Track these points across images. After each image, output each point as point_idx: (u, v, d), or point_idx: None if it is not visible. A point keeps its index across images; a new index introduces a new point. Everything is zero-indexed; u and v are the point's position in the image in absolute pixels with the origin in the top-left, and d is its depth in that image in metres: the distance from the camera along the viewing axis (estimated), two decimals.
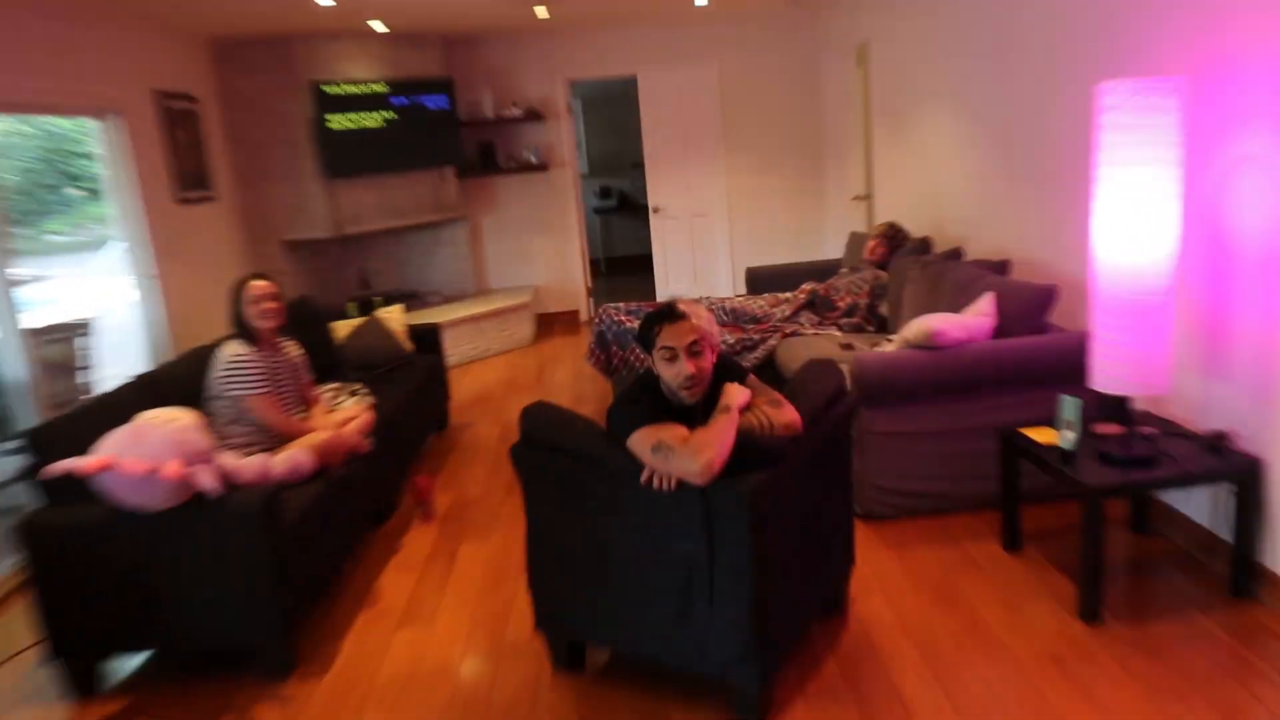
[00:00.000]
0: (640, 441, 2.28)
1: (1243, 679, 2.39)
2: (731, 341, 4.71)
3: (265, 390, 3.28)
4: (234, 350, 3.29)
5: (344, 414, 3.70)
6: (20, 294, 3.79)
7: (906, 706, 2.41)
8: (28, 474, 2.78)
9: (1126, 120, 2.52)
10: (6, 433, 3.79)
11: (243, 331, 3.36)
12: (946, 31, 4.81)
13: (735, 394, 2.35)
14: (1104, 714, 2.31)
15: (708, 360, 2.37)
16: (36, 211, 5.02)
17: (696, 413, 2.41)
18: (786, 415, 2.37)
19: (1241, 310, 2.74)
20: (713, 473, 2.17)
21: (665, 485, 2.24)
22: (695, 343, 2.33)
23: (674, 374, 2.35)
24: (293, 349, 3.60)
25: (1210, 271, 2.87)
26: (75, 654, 2.77)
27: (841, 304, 4.93)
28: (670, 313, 2.36)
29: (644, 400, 2.40)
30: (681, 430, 2.28)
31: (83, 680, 2.81)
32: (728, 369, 2.47)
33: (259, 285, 3.38)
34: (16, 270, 3.82)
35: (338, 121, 6.19)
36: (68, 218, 5.28)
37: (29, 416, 3.77)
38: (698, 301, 3.11)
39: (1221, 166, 2.77)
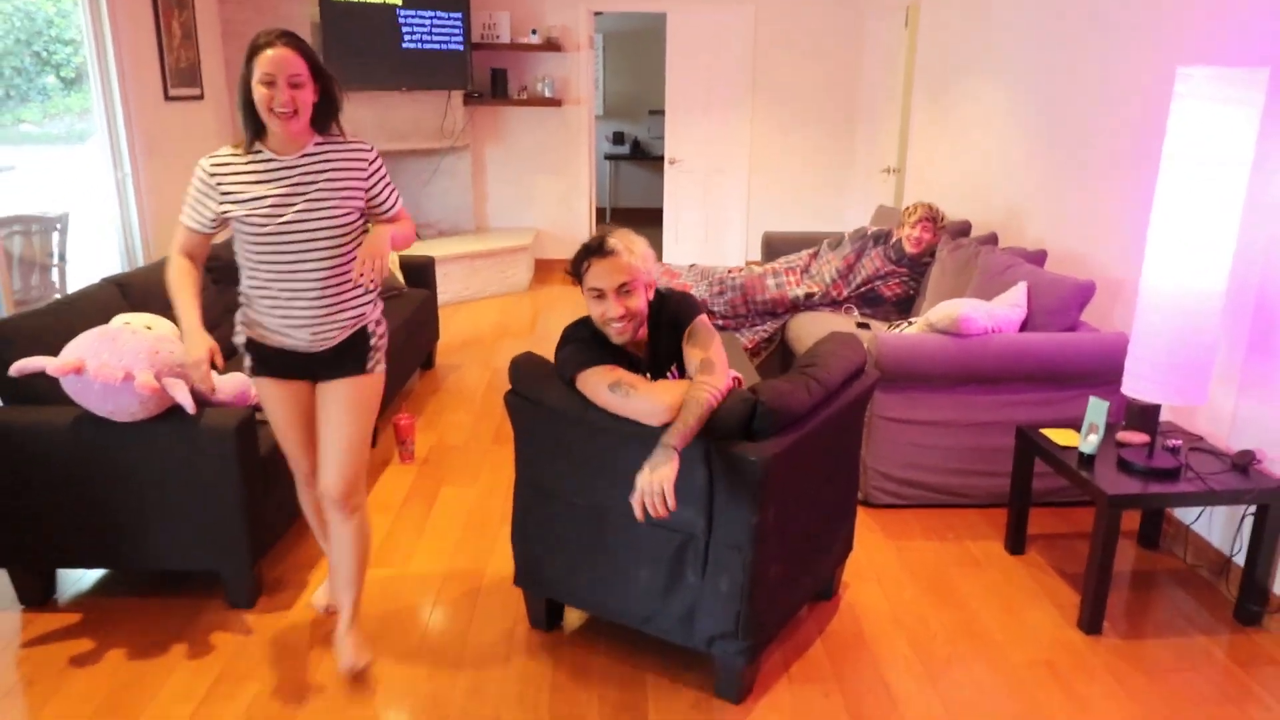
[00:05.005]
0: (595, 379, 2.33)
1: (1240, 705, 2.47)
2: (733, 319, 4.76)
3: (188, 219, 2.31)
4: (210, 157, 2.31)
5: None
6: None
7: (893, 698, 2.48)
8: None
9: (1201, 110, 2.51)
10: None
11: (249, 125, 2.27)
12: None
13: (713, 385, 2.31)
14: None
15: (639, 300, 2.37)
16: (8, 98, 4.96)
17: (641, 361, 2.46)
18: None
19: None
20: (675, 414, 2.21)
21: (656, 510, 2.13)
22: (624, 285, 2.32)
23: (599, 314, 2.37)
24: (345, 159, 2.34)
25: (1263, 284, 2.90)
26: (27, 563, 2.81)
27: (889, 293, 4.68)
28: (600, 248, 2.33)
29: (590, 340, 2.44)
30: (635, 376, 2.34)
31: (35, 589, 2.85)
32: (679, 308, 2.44)
33: (270, 55, 2.16)
34: None
35: None
36: (43, 107, 5.21)
37: None
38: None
39: None
